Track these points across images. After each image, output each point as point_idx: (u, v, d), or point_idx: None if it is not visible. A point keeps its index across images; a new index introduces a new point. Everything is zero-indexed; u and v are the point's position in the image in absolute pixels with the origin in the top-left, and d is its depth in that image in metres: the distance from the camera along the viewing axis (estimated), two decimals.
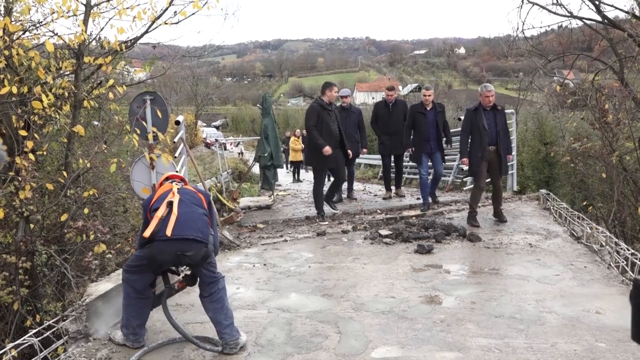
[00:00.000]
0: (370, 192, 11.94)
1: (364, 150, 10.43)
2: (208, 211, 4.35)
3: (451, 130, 9.71)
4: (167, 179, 4.70)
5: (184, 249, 3.94)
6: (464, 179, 12.77)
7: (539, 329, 4.37)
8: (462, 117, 12.34)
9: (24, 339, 3.98)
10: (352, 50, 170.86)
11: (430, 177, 9.79)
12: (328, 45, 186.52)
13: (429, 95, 9.14)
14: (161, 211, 4.03)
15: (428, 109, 9.06)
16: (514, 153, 11.36)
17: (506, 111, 12.30)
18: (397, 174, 10.90)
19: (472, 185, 11.51)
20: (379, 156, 12.98)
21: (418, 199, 10.02)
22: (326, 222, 8.60)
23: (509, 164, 8.50)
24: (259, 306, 5.06)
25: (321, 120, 8.46)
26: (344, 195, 10.56)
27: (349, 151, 8.94)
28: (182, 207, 4.06)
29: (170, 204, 4.09)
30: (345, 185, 10.34)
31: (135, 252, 4.32)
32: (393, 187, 10.80)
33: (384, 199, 10.47)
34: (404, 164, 11.74)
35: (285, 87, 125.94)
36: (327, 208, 9.01)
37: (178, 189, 4.30)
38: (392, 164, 10.68)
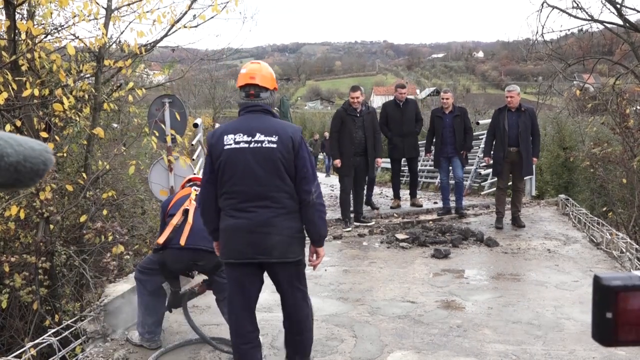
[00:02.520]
0: (387, 196, 11.87)
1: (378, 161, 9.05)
2: None
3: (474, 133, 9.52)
4: (189, 181, 4.71)
5: (196, 258, 3.98)
6: (482, 184, 12.68)
7: (557, 336, 4.33)
8: (480, 122, 12.24)
9: (43, 339, 4.03)
10: (369, 54, 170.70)
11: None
12: (346, 48, 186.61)
13: (447, 99, 8.96)
14: (176, 219, 4.06)
15: (447, 112, 8.94)
16: None
17: None
18: (411, 180, 10.06)
19: (490, 190, 11.46)
20: None
21: (435, 202, 9.94)
22: (349, 229, 8.27)
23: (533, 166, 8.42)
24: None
25: (344, 126, 8.12)
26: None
27: (378, 160, 8.51)
28: (197, 215, 4.06)
29: (186, 212, 4.11)
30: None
31: (149, 255, 4.36)
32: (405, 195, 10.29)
33: (391, 207, 9.71)
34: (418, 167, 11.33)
35: (302, 90, 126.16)
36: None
37: (196, 195, 4.29)
38: (405, 169, 10.31)
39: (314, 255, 3.57)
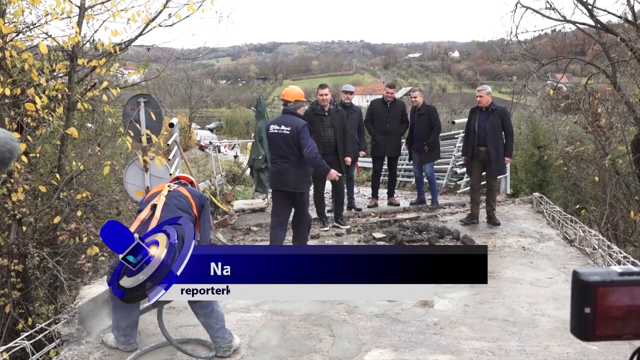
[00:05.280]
0: (364, 195, 11.91)
1: (362, 153, 9.43)
2: (198, 216, 4.31)
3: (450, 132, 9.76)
4: (176, 179, 4.67)
5: None
6: (458, 182, 12.79)
7: (532, 332, 4.39)
8: (456, 121, 12.49)
9: (16, 342, 3.96)
10: (346, 53, 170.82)
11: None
12: (323, 48, 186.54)
13: (415, 97, 9.45)
14: (144, 214, 4.01)
15: (415, 111, 9.35)
16: None
17: None
18: (390, 180, 10.13)
19: (466, 188, 11.57)
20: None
21: (412, 202, 9.99)
22: (326, 228, 8.33)
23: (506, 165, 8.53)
24: (252, 309, 5.05)
25: (312, 127, 7.62)
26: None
27: (347, 158, 8.21)
28: (165, 211, 4.02)
29: (154, 207, 4.06)
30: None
31: None
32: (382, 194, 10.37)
33: (368, 206, 9.71)
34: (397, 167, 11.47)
35: (279, 89, 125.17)
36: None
37: (169, 191, 4.26)
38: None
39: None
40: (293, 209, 6.69)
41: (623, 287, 0.98)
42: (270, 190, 7.32)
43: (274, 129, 6.43)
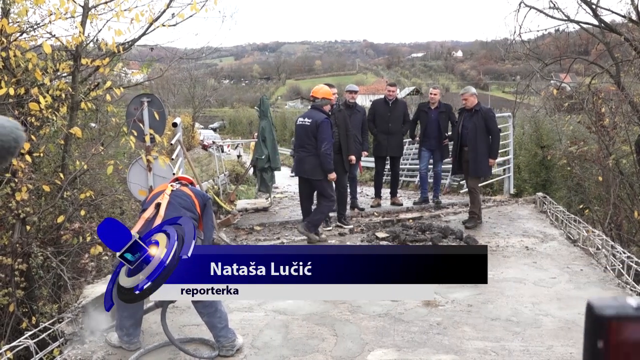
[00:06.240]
0: (367, 195, 11.90)
1: (365, 153, 9.30)
2: (201, 215, 4.32)
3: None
4: (176, 180, 4.67)
5: None
6: (461, 182, 12.78)
7: (535, 332, 4.38)
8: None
9: (20, 341, 3.97)
10: (349, 53, 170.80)
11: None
12: (326, 47, 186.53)
13: (435, 94, 9.48)
14: (148, 212, 4.02)
15: (432, 107, 9.37)
16: (510, 156, 11.38)
17: (503, 114, 12.36)
18: (392, 179, 10.15)
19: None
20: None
21: (415, 202, 10.01)
22: (330, 228, 8.28)
23: (492, 166, 8.42)
24: (255, 308, 5.06)
25: None
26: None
27: (351, 157, 8.22)
28: (169, 209, 4.03)
29: (158, 205, 4.07)
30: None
31: None
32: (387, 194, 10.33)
33: (371, 206, 9.80)
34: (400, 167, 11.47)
35: (282, 89, 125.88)
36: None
37: (172, 190, 4.27)
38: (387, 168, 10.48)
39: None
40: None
41: (638, 321, 0.95)
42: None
43: (299, 122, 7.34)
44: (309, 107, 7.57)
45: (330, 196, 7.48)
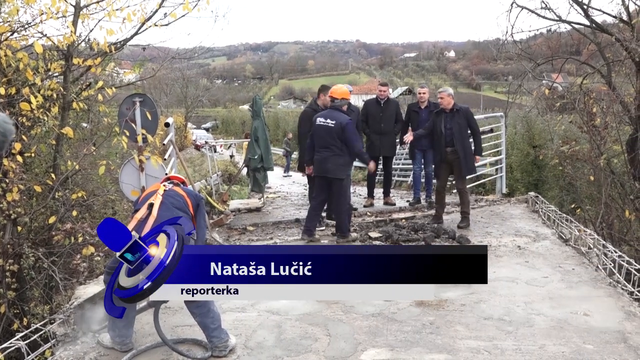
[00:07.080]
0: (360, 195, 11.91)
1: None
2: (194, 215, 4.31)
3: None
4: (168, 179, 4.65)
5: None
6: (453, 182, 12.80)
7: (528, 331, 4.40)
8: None
9: (11, 343, 3.95)
10: (342, 53, 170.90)
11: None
12: (319, 47, 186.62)
13: (424, 93, 9.40)
14: (141, 213, 4.00)
15: (422, 107, 9.30)
16: (502, 156, 11.40)
17: (495, 114, 12.40)
18: (385, 179, 10.19)
19: None
20: None
21: (408, 201, 10.03)
22: (322, 228, 8.19)
23: (477, 165, 8.43)
24: (248, 309, 5.05)
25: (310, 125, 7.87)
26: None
27: None
28: (162, 209, 4.01)
29: (150, 206, 4.05)
30: None
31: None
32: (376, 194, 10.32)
33: (364, 206, 9.82)
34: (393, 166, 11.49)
35: (275, 89, 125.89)
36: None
37: (165, 190, 4.25)
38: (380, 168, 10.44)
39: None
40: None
41: None
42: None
43: (320, 122, 7.20)
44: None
45: (348, 196, 7.63)
